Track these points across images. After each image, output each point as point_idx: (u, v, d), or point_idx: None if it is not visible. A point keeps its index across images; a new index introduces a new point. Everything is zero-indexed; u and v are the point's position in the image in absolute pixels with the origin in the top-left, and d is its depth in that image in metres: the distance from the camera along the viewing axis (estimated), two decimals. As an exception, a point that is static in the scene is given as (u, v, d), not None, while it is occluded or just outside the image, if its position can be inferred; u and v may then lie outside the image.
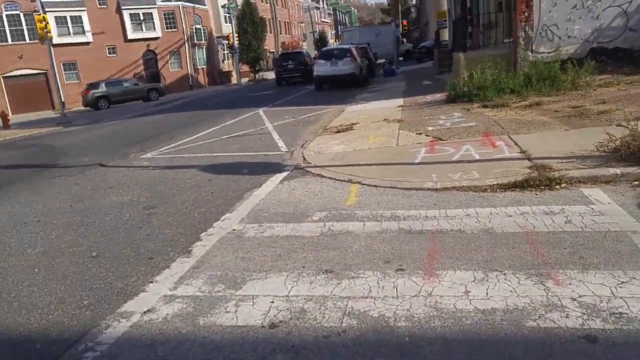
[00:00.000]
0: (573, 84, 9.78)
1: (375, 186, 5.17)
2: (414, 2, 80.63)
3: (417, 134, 7.65)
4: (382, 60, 32.64)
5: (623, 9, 11.38)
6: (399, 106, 11.52)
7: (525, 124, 7.20)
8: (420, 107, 10.78)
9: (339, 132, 8.92)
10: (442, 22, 27.70)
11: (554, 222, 3.65)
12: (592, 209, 3.83)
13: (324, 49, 24.47)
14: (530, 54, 11.68)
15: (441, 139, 6.95)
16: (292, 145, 8.28)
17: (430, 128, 7.90)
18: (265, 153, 7.84)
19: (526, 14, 11.65)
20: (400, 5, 39.68)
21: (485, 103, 9.54)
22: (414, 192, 4.81)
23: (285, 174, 6.20)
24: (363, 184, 5.29)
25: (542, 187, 4.48)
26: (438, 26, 27.06)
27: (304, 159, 6.94)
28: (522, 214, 3.91)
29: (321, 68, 19.66)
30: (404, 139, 7.32)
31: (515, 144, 6.06)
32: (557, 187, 4.46)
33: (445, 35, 26.95)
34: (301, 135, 9.29)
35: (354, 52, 19.46)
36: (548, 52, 11.72)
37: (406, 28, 39.21)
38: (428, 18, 42.93)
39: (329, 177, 5.76)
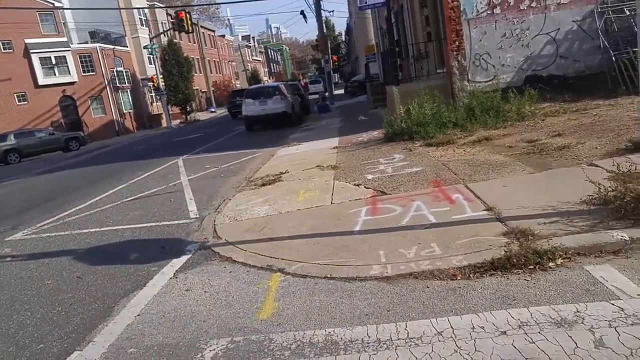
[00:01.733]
0: (518, 114, 9.04)
1: (304, 276, 3.70)
2: (343, 38, 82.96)
3: (355, 184, 6.33)
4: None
5: (552, 36, 11.06)
6: (334, 147, 10.29)
7: (479, 166, 6.11)
8: (357, 148, 9.60)
9: (264, 185, 7.45)
10: (371, 55, 27.66)
11: (577, 345, 2.32)
12: (620, 308, 2.57)
13: (250, 87, 23.23)
14: (467, 83, 10.99)
15: (384, 193, 5.64)
16: (205, 208, 6.67)
17: (370, 176, 6.63)
18: (168, 223, 6.16)
19: (457, 43, 11.02)
20: (329, 42, 39.76)
21: (428, 141, 8.50)
22: (357, 286, 3.38)
23: (185, 258, 4.57)
24: (287, 273, 3.80)
25: (531, 267, 3.22)
26: (367, 59, 26.90)
27: (215, 231, 5.35)
28: (520, 325, 2.57)
29: (250, 108, 18.33)
30: (340, 194, 5.96)
31: (476, 196, 4.86)
32: (551, 264, 3.22)
33: (376, 68, 26.83)
34: (219, 192, 7.71)
35: (283, 90, 18.34)
36: (485, 81, 11.12)
37: (336, 63, 39.24)
38: (358, 53, 43.47)
39: (241, 263, 4.22)
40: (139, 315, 3.45)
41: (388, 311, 2.96)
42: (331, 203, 5.62)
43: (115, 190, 9.30)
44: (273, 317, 3.11)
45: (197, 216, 6.32)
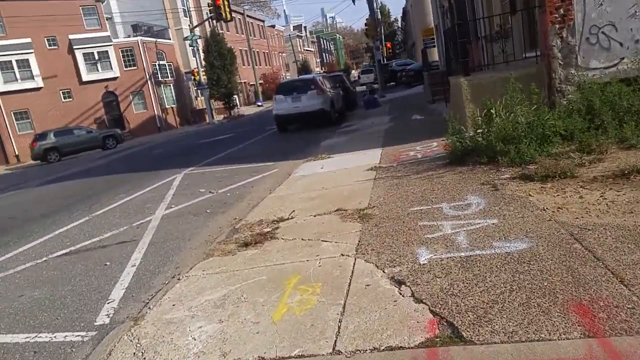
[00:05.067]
0: (676, 121, 5.45)
1: None
2: (399, 24, 78.20)
3: (393, 281, 3.18)
4: None
5: None
6: (373, 168, 7.12)
7: (671, 256, 2.77)
8: (406, 173, 6.35)
9: (246, 245, 4.52)
10: (429, 40, 23.89)
11: None
12: None
13: (282, 81, 20.37)
14: (575, 71, 7.40)
15: (459, 333, 2.45)
16: (136, 295, 3.86)
17: (425, 257, 3.44)
18: (49, 338, 3.35)
19: (562, 10, 7.42)
20: (382, 28, 36.04)
21: (522, 168, 5.15)
22: None
23: None
24: None
25: None
26: (425, 45, 23.16)
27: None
28: None
29: (281, 105, 15.46)
30: (357, 314, 2.84)
31: None
32: None
33: (435, 55, 23.04)
34: (183, 250, 4.89)
35: (320, 83, 15.28)
36: (604, 67, 7.42)
37: (390, 51, 35.48)
38: (414, 39, 39.44)
39: None
40: None
41: None
42: (333, 350, 2.52)
43: (65, 230, 6.70)
44: None
45: (108, 321, 3.49)
